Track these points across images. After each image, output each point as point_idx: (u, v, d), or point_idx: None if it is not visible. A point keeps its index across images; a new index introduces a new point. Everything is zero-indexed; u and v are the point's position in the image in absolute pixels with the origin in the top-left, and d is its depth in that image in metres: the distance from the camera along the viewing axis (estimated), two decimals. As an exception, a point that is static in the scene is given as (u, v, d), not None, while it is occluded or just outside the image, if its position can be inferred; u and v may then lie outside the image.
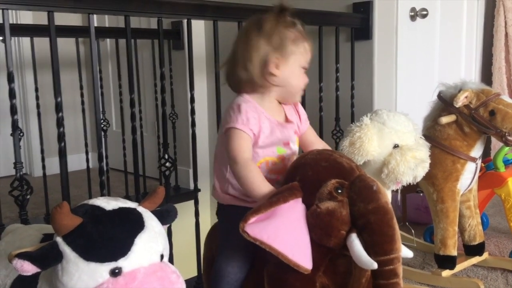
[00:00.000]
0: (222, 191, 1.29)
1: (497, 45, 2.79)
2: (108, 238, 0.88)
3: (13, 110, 1.35)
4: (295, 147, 1.29)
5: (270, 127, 1.24)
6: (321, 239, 1.08)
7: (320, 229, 1.07)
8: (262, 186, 1.15)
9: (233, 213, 1.23)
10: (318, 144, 1.37)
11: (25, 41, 3.18)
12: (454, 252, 1.74)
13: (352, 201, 1.07)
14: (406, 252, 1.13)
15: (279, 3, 1.24)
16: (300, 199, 1.10)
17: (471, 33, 2.80)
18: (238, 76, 1.25)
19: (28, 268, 0.86)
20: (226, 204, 1.28)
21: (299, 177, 1.13)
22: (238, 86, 1.27)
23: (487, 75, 2.87)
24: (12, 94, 1.34)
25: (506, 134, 1.66)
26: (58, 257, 0.87)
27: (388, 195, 1.09)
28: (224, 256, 1.24)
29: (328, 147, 1.38)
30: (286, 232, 1.05)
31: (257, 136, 1.22)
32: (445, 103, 1.76)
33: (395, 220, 1.06)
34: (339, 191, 1.08)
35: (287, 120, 1.29)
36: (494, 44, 2.81)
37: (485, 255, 1.88)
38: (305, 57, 1.25)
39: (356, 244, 1.04)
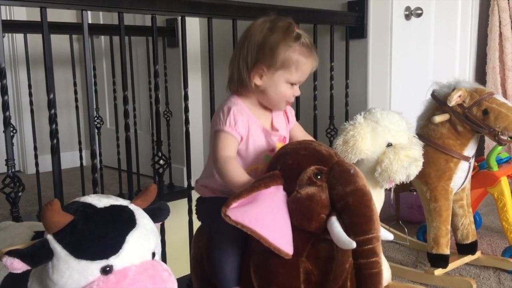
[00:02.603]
0: (206, 187, 1.34)
1: (491, 45, 2.80)
2: (99, 236, 0.88)
3: (5, 107, 1.34)
4: None
5: (258, 132, 1.27)
6: (302, 223, 1.11)
7: (300, 213, 1.11)
8: (242, 176, 1.18)
9: (213, 203, 1.26)
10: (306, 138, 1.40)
11: (19, 37, 3.16)
12: (446, 251, 1.74)
13: (331, 185, 1.10)
14: (386, 235, 1.17)
15: (288, 21, 1.25)
16: (281, 187, 1.13)
17: (465, 33, 2.81)
18: (230, 72, 1.29)
19: (18, 266, 0.85)
20: (206, 197, 1.33)
21: (280, 165, 1.16)
22: (230, 83, 1.31)
23: (481, 75, 2.87)
24: (4, 91, 1.33)
25: (499, 133, 1.66)
26: (48, 254, 0.87)
27: (364, 180, 1.12)
28: (217, 247, 1.26)
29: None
30: (267, 217, 1.09)
31: (246, 139, 1.25)
32: (438, 102, 1.76)
33: (373, 202, 1.10)
34: (318, 176, 1.11)
35: (272, 127, 1.32)
36: (489, 44, 2.82)
37: (478, 254, 1.88)
38: (296, 75, 1.25)
39: (335, 226, 1.08)
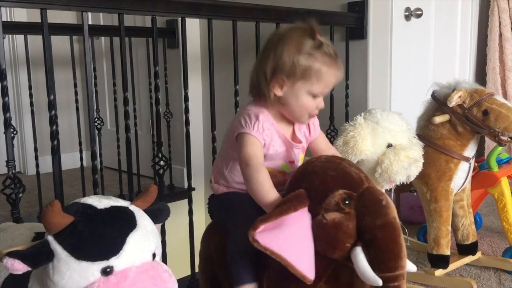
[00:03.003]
0: (217, 183, 1.33)
1: (491, 45, 2.80)
2: (100, 237, 0.88)
3: (6, 108, 1.34)
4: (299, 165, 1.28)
5: (279, 142, 1.24)
6: (325, 250, 1.06)
7: (325, 241, 1.05)
8: (270, 192, 1.13)
9: (226, 199, 1.29)
10: (329, 150, 1.35)
11: (19, 38, 3.16)
12: (447, 251, 1.74)
13: (360, 214, 1.04)
14: (410, 267, 1.11)
15: (309, 25, 1.18)
16: (306, 208, 1.07)
17: (465, 33, 2.81)
18: (251, 79, 1.25)
19: (18, 267, 0.85)
20: (219, 193, 1.32)
21: (305, 184, 1.09)
22: (251, 88, 1.27)
23: (481, 75, 2.88)
24: (4, 92, 1.33)
25: (499, 133, 1.67)
26: (49, 256, 0.87)
27: (395, 212, 1.07)
28: (234, 242, 1.20)
29: (338, 154, 1.37)
30: (294, 242, 1.04)
31: (266, 147, 1.21)
32: (438, 102, 1.76)
33: (402, 237, 1.04)
34: (347, 202, 1.05)
35: (295, 138, 1.28)
36: (489, 44, 2.82)
37: (478, 254, 1.88)
38: (317, 86, 1.18)
39: (361, 259, 1.03)
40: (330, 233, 1.04)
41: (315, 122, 1.34)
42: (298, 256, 1.04)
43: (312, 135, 1.33)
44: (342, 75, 1.23)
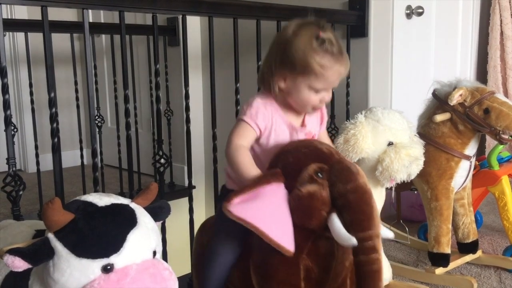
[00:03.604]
0: (229, 176, 1.32)
1: (493, 44, 2.80)
2: (100, 234, 0.88)
3: (6, 105, 1.34)
4: None
5: (283, 127, 1.25)
6: (302, 221, 1.11)
7: (301, 211, 1.11)
8: (251, 169, 1.17)
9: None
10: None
11: (20, 36, 3.16)
12: (447, 250, 1.74)
13: (332, 183, 1.10)
14: (386, 233, 1.17)
15: (315, 22, 1.20)
16: (282, 184, 1.13)
17: (466, 31, 2.81)
18: (261, 69, 1.28)
19: (19, 264, 0.85)
20: (230, 188, 1.31)
21: (281, 164, 1.16)
22: (259, 79, 1.29)
23: (482, 73, 2.87)
24: (4, 89, 1.33)
25: (500, 132, 1.66)
26: (49, 253, 0.87)
27: (365, 178, 1.12)
28: (218, 237, 1.27)
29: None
30: (268, 213, 1.09)
31: (268, 134, 1.23)
32: (439, 101, 1.76)
33: (373, 199, 1.10)
34: (319, 174, 1.11)
35: (303, 124, 1.29)
36: (490, 43, 2.81)
37: (479, 253, 1.88)
38: (318, 82, 1.19)
39: (336, 223, 1.08)
40: (305, 203, 1.10)
41: (324, 113, 1.36)
42: (274, 227, 1.08)
43: (322, 127, 1.36)
44: (345, 71, 1.23)
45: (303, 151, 1.16)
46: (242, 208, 1.07)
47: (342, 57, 1.20)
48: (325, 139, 1.40)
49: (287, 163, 1.15)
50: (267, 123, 1.23)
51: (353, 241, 1.06)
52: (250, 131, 1.22)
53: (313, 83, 1.19)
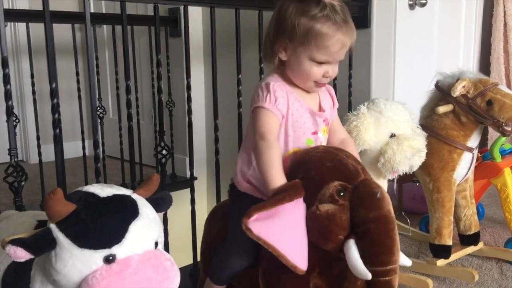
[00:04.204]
0: (242, 176, 1.24)
1: (496, 35, 2.78)
2: (102, 225, 0.88)
3: (8, 96, 1.34)
4: (323, 137, 1.23)
5: (301, 111, 1.17)
6: (318, 241, 1.06)
7: (318, 232, 1.05)
8: (278, 177, 1.09)
9: (245, 202, 1.16)
10: (341, 133, 1.31)
11: (21, 26, 3.15)
12: (449, 242, 1.74)
13: (354, 207, 1.03)
14: (405, 261, 1.11)
15: None
16: (302, 199, 1.06)
17: (469, 23, 2.79)
18: (264, 42, 1.20)
19: (21, 255, 0.85)
20: (242, 191, 1.24)
21: (301, 174, 1.09)
22: (263, 54, 1.22)
23: (485, 65, 2.86)
24: (6, 80, 1.33)
25: (503, 124, 1.66)
26: (51, 243, 0.87)
27: (390, 205, 1.05)
28: (231, 244, 1.22)
29: (350, 139, 1.33)
30: (288, 233, 1.03)
31: (286, 118, 1.15)
32: (442, 92, 1.75)
33: (396, 231, 1.03)
34: (341, 194, 1.04)
35: (320, 108, 1.21)
36: (493, 34, 2.80)
37: (480, 244, 1.88)
38: (319, 53, 1.10)
39: (352, 252, 1.02)
40: (323, 225, 1.04)
41: (334, 98, 1.28)
42: (291, 247, 1.03)
43: (333, 114, 1.28)
44: (350, 40, 1.13)
45: (327, 165, 1.08)
46: (261, 226, 1.00)
47: (346, 25, 1.12)
48: (338, 127, 1.31)
49: (308, 176, 1.08)
50: (286, 106, 1.14)
51: (368, 276, 1.00)
52: (275, 120, 1.13)
53: (314, 54, 1.10)
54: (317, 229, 1.05)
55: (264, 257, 1.12)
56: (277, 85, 1.15)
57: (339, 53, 1.13)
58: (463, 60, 2.77)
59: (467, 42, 2.80)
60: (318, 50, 1.11)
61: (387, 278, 1.01)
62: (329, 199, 1.04)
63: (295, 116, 1.16)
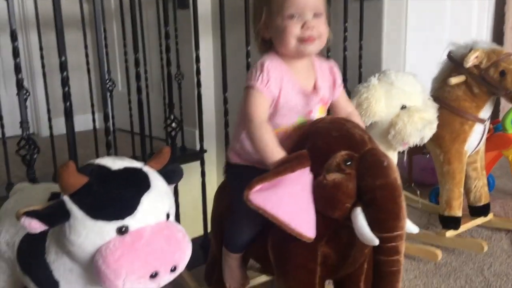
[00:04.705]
0: (232, 149, 1.29)
1: (510, 4, 2.72)
2: (115, 197, 0.89)
3: (17, 69, 1.34)
4: (316, 117, 1.23)
5: (293, 92, 1.18)
6: (325, 210, 1.07)
7: (325, 200, 1.06)
8: (275, 151, 1.11)
9: (238, 173, 1.25)
10: (347, 108, 1.32)
11: (29, 0, 3.13)
12: (459, 213, 1.75)
13: (360, 175, 1.04)
14: (411, 228, 1.12)
15: None
16: (307, 169, 1.07)
17: (483, -9, 2.73)
18: (255, 38, 1.23)
19: (35, 226, 0.87)
20: (233, 163, 1.28)
21: (308, 145, 1.09)
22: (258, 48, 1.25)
23: (498, 35, 2.80)
24: (15, 53, 1.33)
25: (516, 95, 1.64)
26: (65, 215, 0.88)
27: (397, 172, 1.05)
28: (238, 216, 1.24)
29: (356, 113, 1.34)
30: (290, 202, 1.04)
31: (276, 100, 1.16)
32: (455, 63, 1.73)
33: (402, 198, 1.03)
34: (348, 163, 1.04)
35: (315, 88, 1.22)
36: (507, 3, 2.74)
37: (490, 216, 1.88)
38: (287, 7, 1.12)
39: (360, 219, 1.03)
40: (330, 193, 1.05)
41: (339, 75, 1.29)
42: (294, 215, 1.04)
43: (336, 91, 1.28)
44: None
45: (334, 135, 1.08)
46: (262, 197, 1.02)
47: None
48: (344, 102, 1.32)
49: (315, 147, 1.08)
50: (278, 87, 1.16)
51: (376, 242, 1.01)
52: (265, 100, 1.15)
53: (283, 11, 1.13)
54: (324, 197, 1.06)
55: (273, 227, 1.12)
56: (272, 64, 1.16)
57: (308, 2, 1.14)
58: (476, 30, 2.72)
59: (480, 12, 2.74)
60: (286, 6, 1.13)
61: (394, 243, 1.02)
62: (336, 168, 1.04)
63: (286, 98, 1.17)
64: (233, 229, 1.29)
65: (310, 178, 1.07)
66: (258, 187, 1.02)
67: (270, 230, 1.17)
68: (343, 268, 1.18)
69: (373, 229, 1.02)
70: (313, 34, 1.14)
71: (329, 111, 1.32)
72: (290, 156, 1.08)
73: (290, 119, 1.20)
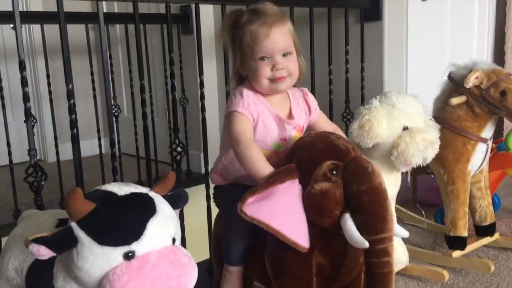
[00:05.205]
0: (215, 172, 1.37)
1: (510, 24, 2.75)
2: (121, 223, 0.90)
3: (26, 98, 1.37)
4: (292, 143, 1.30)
5: (270, 118, 1.26)
6: (315, 219, 1.11)
7: (314, 209, 1.10)
8: (265, 167, 1.16)
9: (223, 191, 1.35)
10: (329, 127, 1.40)
11: (36, 28, 3.19)
12: (464, 233, 1.74)
13: (346, 182, 1.09)
14: (401, 232, 1.17)
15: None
16: (296, 180, 1.12)
17: (483, 12, 2.76)
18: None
19: (44, 253, 0.88)
20: (218, 184, 1.37)
21: (296, 158, 1.15)
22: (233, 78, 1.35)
23: (499, 55, 2.83)
24: (24, 82, 1.36)
25: (517, 114, 1.65)
26: (73, 241, 0.89)
27: (381, 177, 1.10)
28: (231, 231, 1.30)
29: (339, 130, 1.41)
30: (282, 212, 1.09)
31: (255, 123, 1.24)
32: (455, 83, 1.74)
33: (388, 201, 1.08)
34: (334, 172, 1.09)
35: (290, 116, 1.30)
36: (507, 23, 2.77)
37: (496, 235, 1.88)
38: (257, 51, 1.22)
39: (349, 224, 1.07)
40: (318, 201, 1.09)
41: (313, 102, 1.38)
42: (287, 225, 1.08)
43: (312, 115, 1.37)
44: (276, 28, 1.22)
45: (319, 146, 1.14)
46: (255, 208, 1.07)
47: (266, 16, 1.23)
48: (325, 123, 1.41)
49: (302, 159, 1.14)
50: (257, 113, 1.25)
51: (365, 244, 1.05)
52: (248, 122, 1.23)
53: (255, 55, 1.23)
54: (313, 206, 1.10)
55: (269, 239, 1.17)
56: (250, 92, 1.26)
57: (276, 43, 1.22)
58: (477, 50, 2.74)
59: (480, 32, 2.77)
60: (256, 49, 1.22)
61: (383, 245, 1.05)
62: (323, 177, 1.09)
63: (264, 123, 1.25)
64: (227, 241, 1.33)
65: (300, 189, 1.12)
66: (250, 199, 1.07)
67: (266, 242, 1.21)
68: (339, 278, 1.19)
69: (362, 233, 1.06)
70: (282, 74, 1.24)
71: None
72: (279, 170, 1.14)
73: (266, 145, 1.27)
